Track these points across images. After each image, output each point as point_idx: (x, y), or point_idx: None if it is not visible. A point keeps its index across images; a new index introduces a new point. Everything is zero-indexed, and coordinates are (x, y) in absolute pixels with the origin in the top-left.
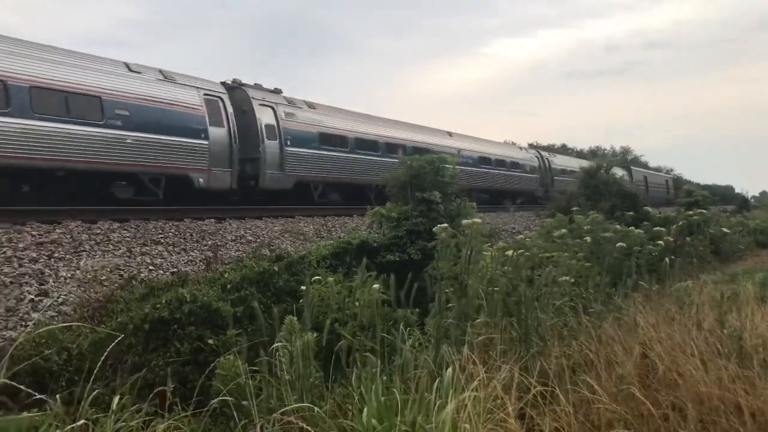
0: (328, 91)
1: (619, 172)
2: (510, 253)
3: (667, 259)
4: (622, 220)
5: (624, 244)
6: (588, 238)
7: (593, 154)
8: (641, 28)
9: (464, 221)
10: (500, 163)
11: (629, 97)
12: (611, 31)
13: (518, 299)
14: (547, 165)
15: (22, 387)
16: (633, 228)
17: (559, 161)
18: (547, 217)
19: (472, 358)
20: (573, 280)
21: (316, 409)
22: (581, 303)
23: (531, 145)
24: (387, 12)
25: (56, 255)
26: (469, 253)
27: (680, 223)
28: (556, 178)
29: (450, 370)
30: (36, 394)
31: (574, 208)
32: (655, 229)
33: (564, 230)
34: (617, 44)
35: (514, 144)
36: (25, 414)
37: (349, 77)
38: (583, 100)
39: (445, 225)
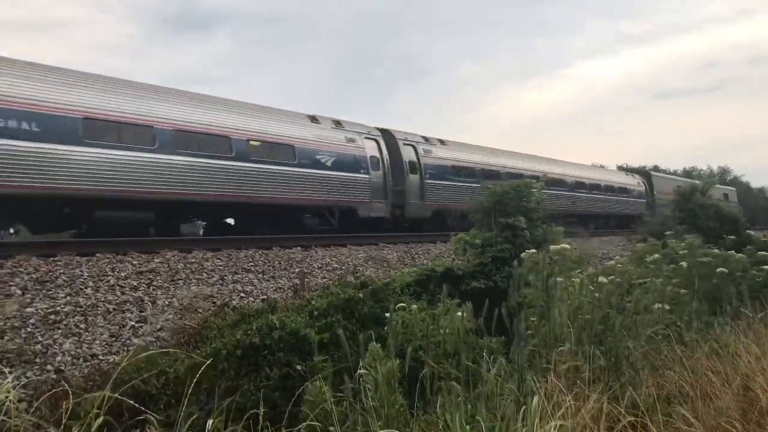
0: (407, 118)
1: (630, 180)
2: (600, 278)
3: None
4: (721, 245)
5: (725, 269)
6: (684, 263)
7: (688, 174)
8: (737, 43)
9: (552, 247)
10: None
11: (726, 115)
12: (703, 47)
13: (606, 326)
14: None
15: (126, 404)
16: (734, 252)
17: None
18: (639, 242)
19: (559, 386)
20: (668, 308)
21: None
22: (676, 331)
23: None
24: (466, 37)
25: (155, 283)
26: (548, 279)
27: None
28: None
29: (536, 398)
30: (143, 410)
31: (668, 232)
32: (759, 253)
33: (657, 255)
34: (711, 60)
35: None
36: None
37: (428, 103)
38: (675, 120)
39: (533, 251)
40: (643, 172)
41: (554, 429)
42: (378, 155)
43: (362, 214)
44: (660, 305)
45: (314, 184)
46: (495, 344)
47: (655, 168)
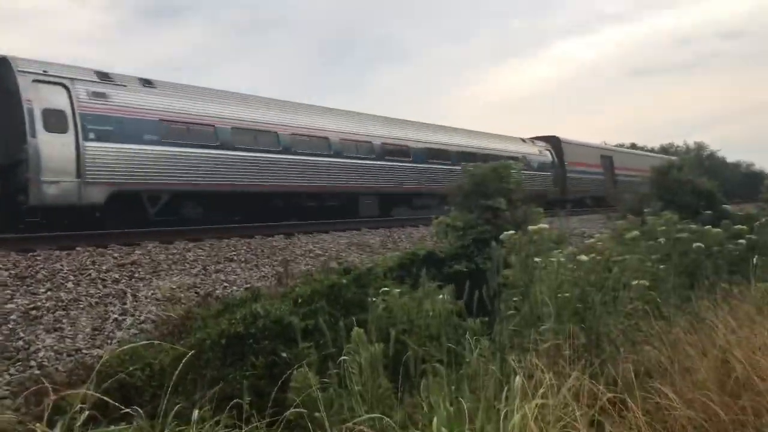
0: (383, 101)
1: (526, 149)
2: (581, 257)
3: (753, 260)
4: (699, 220)
5: (701, 244)
6: (662, 240)
7: (665, 151)
8: (712, 19)
9: (531, 227)
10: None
11: (702, 91)
12: (679, 24)
13: (586, 304)
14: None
15: (109, 401)
16: (711, 227)
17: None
18: (617, 219)
19: (539, 365)
20: (647, 284)
21: (386, 419)
22: (654, 307)
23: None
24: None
25: (136, 275)
26: (528, 259)
27: (764, 219)
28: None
29: (518, 378)
30: (123, 408)
31: (646, 210)
32: (735, 227)
33: (636, 232)
34: (686, 37)
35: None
36: (113, 428)
37: (406, 86)
38: (652, 97)
39: (512, 232)
40: (551, 139)
41: (535, 407)
42: None
43: None
44: (639, 281)
45: None
46: (477, 326)
47: (633, 145)
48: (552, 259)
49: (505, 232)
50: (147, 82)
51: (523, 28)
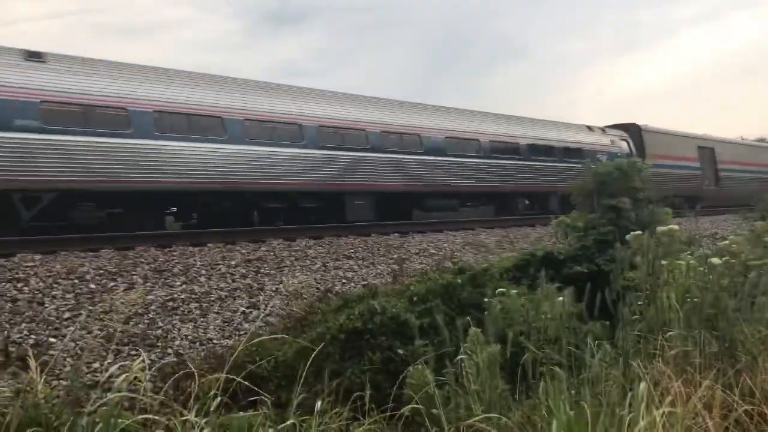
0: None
1: (596, 139)
2: (713, 260)
3: None
4: None
5: None
6: None
7: None
8: None
9: (659, 228)
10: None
11: None
12: None
13: (718, 310)
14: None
15: (245, 386)
16: None
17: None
18: (756, 220)
19: (667, 372)
20: None
21: (503, 419)
22: None
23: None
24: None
25: (262, 271)
26: (654, 261)
27: None
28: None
29: (643, 384)
30: (257, 391)
31: None
32: None
33: None
34: None
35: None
36: (243, 414)
37: (528, 83)
38: None
39: (639, 232)
40: (630, 127)
41: (663, 416)
42: None
43: None
44: None
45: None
46: (599, 329)
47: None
48: (680, 261)
49: (631, 233)
50: (33, 55)
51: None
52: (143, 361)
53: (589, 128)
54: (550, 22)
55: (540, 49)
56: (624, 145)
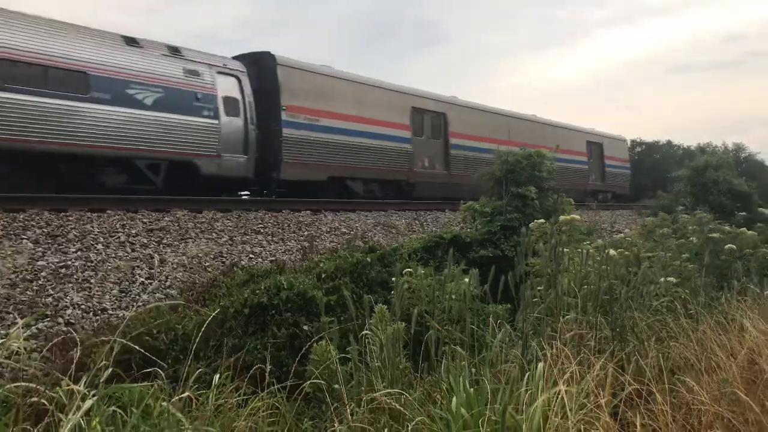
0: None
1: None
2: (609, 251)
3: None
4: (733, 221)
5: (734, 246)
6: (693, 239)
7: (702, 151)
8: (760, 18)
9: (562, 217)
10: None
11: (744, 91)
12: (725, 21)
13: (612, 297)
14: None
15: (139, 349)
16: (745, 229)
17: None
18: (649, 216)
19: (564, 352)
20: (675, 281)
21: (405, 394)
22: (682, 305)
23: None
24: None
25: (164, 241)
26: (556, 248)
27: None
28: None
29: (541, 363)
30: (151, 361)
31: (680, 207)
32: None
33: (667, 229)
34: (732, 34)
35: None
36: (135, 385)
37: (447, 72)
38: (692, 95)
39: (542, 221)
40: (260, 58)
41: (558, 393)
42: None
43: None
44: (667, 278)
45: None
46: (501, 311)
47: (669, 143)
48: (580, 250)
49: (535, 221)
50: None
51: (565, 18)
52: (27, 327)
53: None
54: (471, 13)
55: (461, 38)
56: (229, 85)
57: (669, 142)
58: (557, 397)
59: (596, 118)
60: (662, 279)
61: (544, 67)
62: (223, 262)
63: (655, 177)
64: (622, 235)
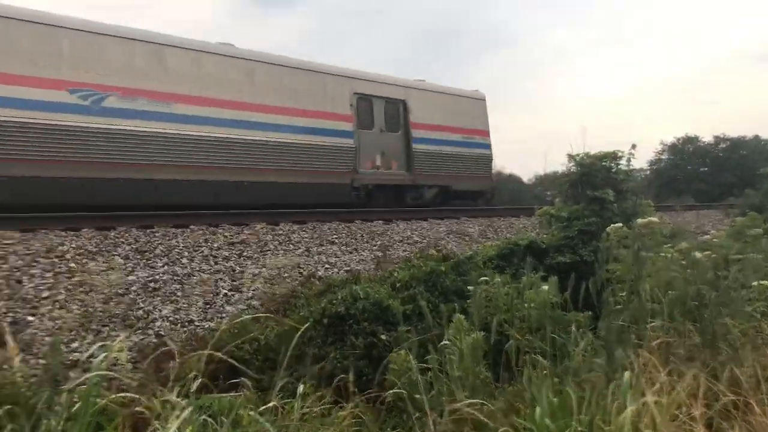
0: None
1: None
2: (695, 254)
3: None
4: None
5: None
6: None
7: None
8: None
9: (639, 220)
10: None
11: None
12: None
13: (701, 302)
14: None
15: (228, 359)
16: None
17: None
18: (738, 216)
19: (652, 360)
20: None
21: (487, 404)
22: None
23: None
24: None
25: (245, 254)
26: (637, 253)
27: None
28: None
29: (628, 372)
30: (239, 371)
31: None
32: None
33: (759, 230)
34: None
35: None
36: (223, 395)
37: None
38: None
39: (620, 224)
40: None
41: (644, 405)
42: None
43: None
44: (760, 282)
45: None
46: (582, 319)
47: (756, 138)
48: (663, 254)
49: (612, 225)
50: None
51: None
52: (123, 341)
53: None
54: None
55: (530, 39)
56: None
57: (756, 137)
58: (646, 408)
59: (681, 114)
60: (756, 282)
61: (620, 66)
62: (301, 273)
63: (743, 174)
64: (708, 236)
